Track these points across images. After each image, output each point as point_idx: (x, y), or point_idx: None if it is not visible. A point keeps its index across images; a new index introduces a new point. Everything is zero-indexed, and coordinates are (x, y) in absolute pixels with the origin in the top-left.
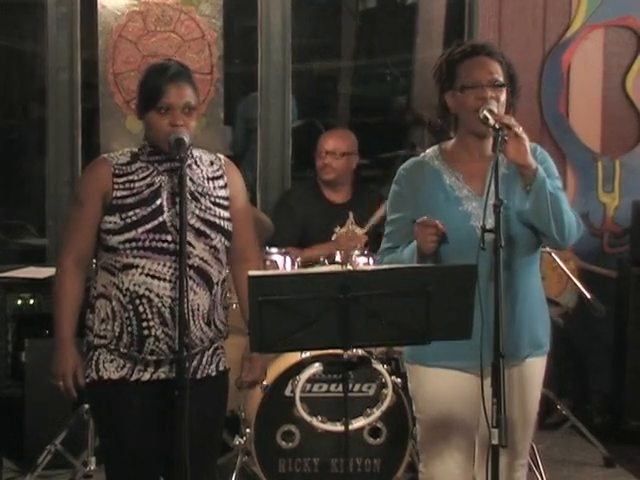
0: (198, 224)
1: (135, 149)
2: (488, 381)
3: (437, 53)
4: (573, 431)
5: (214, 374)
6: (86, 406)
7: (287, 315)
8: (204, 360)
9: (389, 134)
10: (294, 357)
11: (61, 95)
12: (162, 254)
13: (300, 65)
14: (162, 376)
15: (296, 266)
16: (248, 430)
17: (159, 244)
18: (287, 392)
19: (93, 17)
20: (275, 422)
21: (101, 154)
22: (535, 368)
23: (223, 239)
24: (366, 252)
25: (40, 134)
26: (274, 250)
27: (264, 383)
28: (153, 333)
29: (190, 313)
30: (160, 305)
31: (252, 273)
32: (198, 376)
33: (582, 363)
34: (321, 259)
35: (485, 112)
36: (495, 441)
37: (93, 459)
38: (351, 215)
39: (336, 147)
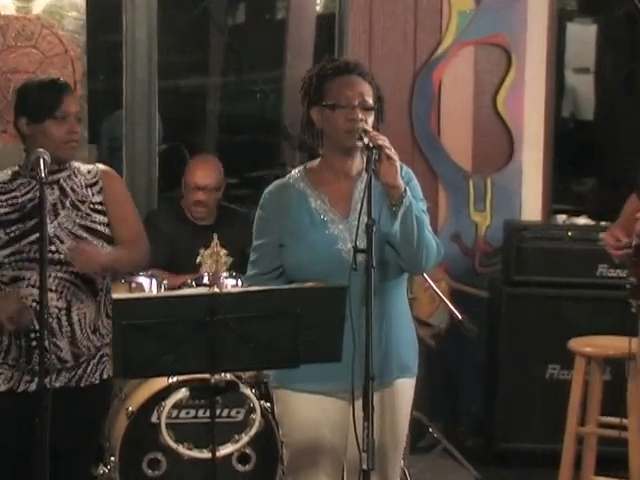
0: (80, 231)
1: (16, 167)
2: (358, 404)
3: (307, 69)
4: (445, 454)
5: (97, 382)
6: None
7: (152, 339)
8: (89, 369)
9: (259, 153)
10: (160, 382)
11: None
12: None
13: (167, 82)
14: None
15: (162, 289)
16: (112, 458)
17: None
18: (153, 419)
19: None
20: (140, 450)
21: None
22: (404, 390)
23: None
24: (234, 274)
25: None
26: (140, 272)
27: (129, 409)
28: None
29: (78, 322)
30: (47, 316)
31: (116, 296)
32: (82, 384)
33: (454, 385)
34: (188, 281)
35: (360, 131)
36: (365, 466)
37: None
38: (215, 237)
39: (207, 183)
